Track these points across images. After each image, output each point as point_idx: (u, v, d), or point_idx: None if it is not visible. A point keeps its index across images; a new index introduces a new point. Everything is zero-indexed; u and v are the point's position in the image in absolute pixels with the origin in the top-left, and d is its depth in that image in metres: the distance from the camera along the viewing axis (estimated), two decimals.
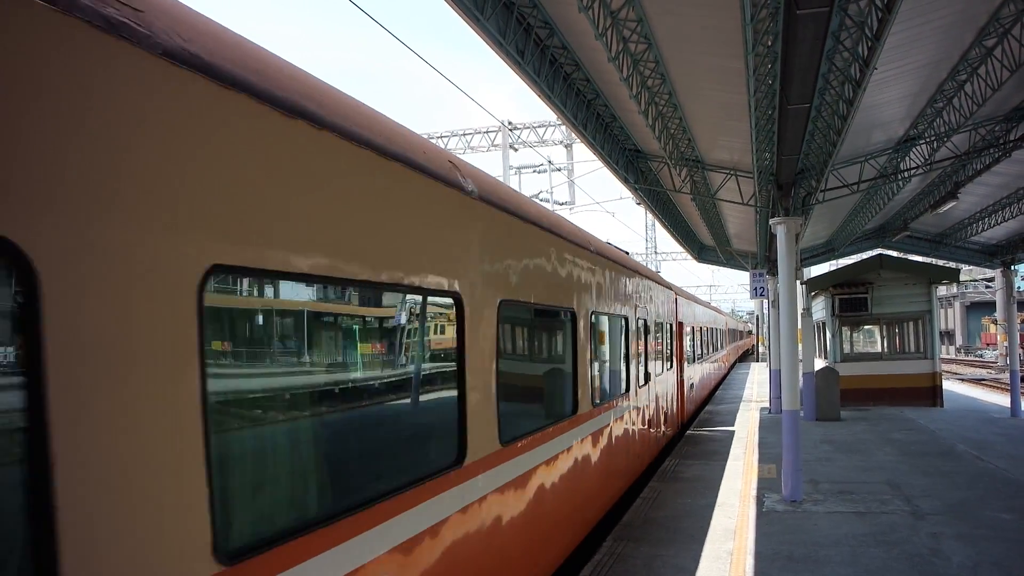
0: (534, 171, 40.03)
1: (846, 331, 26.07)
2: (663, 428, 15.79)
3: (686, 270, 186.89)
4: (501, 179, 32.50)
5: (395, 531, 4.27)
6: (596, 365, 9.71)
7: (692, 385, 22.50)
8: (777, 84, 9.70)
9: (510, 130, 34.82)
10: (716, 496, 12.07)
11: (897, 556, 8.74)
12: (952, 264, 29.78)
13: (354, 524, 3.86)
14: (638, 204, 25.73)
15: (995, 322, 61.07)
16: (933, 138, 16.19)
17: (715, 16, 10.40)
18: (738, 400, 28.87)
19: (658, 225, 31.34)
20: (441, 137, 35.58)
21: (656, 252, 64.79)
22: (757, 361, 65.15)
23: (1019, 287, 33.48)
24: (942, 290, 52.39)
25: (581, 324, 8.75)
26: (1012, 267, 26.42)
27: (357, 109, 4.25)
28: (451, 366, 5.31)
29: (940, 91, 14.19)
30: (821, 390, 21.32)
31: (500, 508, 5.99)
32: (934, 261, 29.92)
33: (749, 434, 18.98)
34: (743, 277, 78.11)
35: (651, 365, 14.18)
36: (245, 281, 3.41)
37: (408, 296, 4.76)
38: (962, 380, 39.95)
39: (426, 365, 5.18)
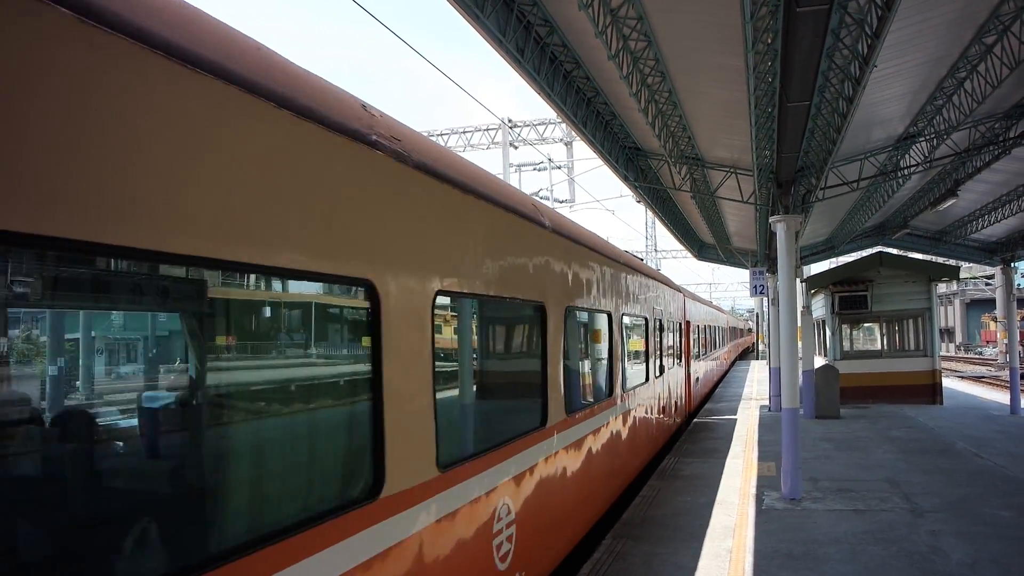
0: (534, 168, 40.06)
1: (846, 329, 26.08)
2: (674, 415, 17.82)
3: (686, 268, 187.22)
4: (501, 176, 32.51)
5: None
6: (626, 358, 11.93)
7: (697, 379, 24.35)
8: (777, 82, 9.70)
9: (510, 128, 34.81)
10: (715, 494, 12.08)
11: (896, 554, 8.75)
12: (952, 261, 29.78)
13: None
14: (638, 202, 25.78)
15: (995, 319, 61.02)
16: (933, 135, 16.19)
17: (715, 13, 10.40)
18: (738, 398, 28.87)
19: (658, 223, 31.37)
20: (441, 135, 35.58)
21: (656, 250, 64.80)
22: (757, 359, 65.18)
23: (1019, 284, 33.51)
24: (942, 287, 52.37)
25: (615, 325, 10.75)
26: (1012, 264, 26.45)
27: (497, 184, 6.49)
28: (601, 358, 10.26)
29: (940, 88, 14.18)
30: (821, 388, 21.33)
31: (575, 458, 8.45)
32: (934, 258, 29.96)
33: (748, 432, 18.99)
34: (743, 275, 78.09)
35: (665, 359, 16.06)
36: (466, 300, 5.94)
37: (520, 306, 6.87)
38: (962, 378, 39.99)
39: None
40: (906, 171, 17.87)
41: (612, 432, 10.47)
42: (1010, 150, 16.10)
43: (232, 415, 3.83)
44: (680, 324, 19.47)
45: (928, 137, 16.42)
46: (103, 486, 3.41)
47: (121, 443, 3.75)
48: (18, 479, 2.97)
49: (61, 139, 2.43)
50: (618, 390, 10.90)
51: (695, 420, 22.13)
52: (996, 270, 28.79)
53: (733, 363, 56.94)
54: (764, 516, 10.62)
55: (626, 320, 11.72)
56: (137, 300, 3.45)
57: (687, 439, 18.12)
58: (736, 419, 21.85)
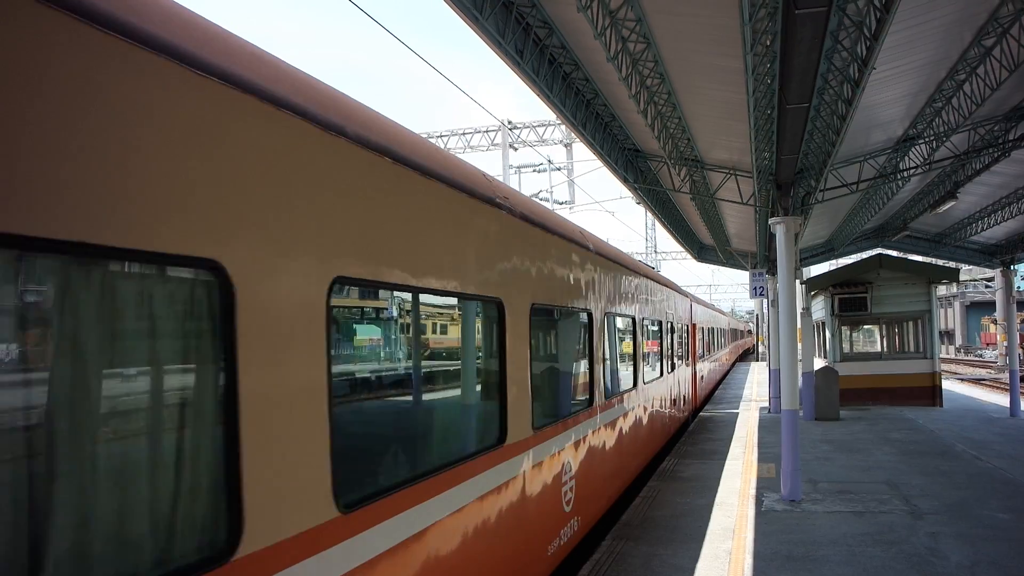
0: (534, 170, 40.04)
1: (845, 331, 26.09)
2: (683, 408, 19.93)
3: (686, 269, 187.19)
4: (500, 178, 32.50)
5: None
6: (646, 356, 13.91)
7: (702, 377, 26.53)
8: (776, 84, 9.71)
9: (510, 129, 34.83)
10: (715, 495, 12.08)
11: (895, 555, 8.75)
12: (952, 264, 29.78)
13: None
14: (638, 203, 25.81)
15: (995, 322, 61.09)
16: (932, 138, 16.20)
17: (714, 16, 10.40)
18: (738, 400, 28.88)
19: (658, 225, 31.38)
20: (441, 136, 35.58)
21: (656, 251, 64.79)
22: (757, 360, 65.15)
23: (1019, 287, 33.46)
24: (942, 290, 52.36)
25: (638, 328, 12.67)
26: (1012, 267, 26.43)
27: (559, 220, 8.16)
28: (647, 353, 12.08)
29: (939, 91, 14.19)
30: (820, 390, 21.33)
31: (611, 434, 10.45)
32: (934, 261, 29.93)
33: (748, 433, 18.99)
34: (743, 276, 78.15)
35: (675, 358, 18.37)
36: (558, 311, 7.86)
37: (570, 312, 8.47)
38: (961, 380, 39.98)
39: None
40: (905, 173, 17.87)
41: (635, 416, 12.50)
42: (1009, 152, 16.10)
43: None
44: (687, 327, 21.56)
45: (927, 139, 16.43)
46: None
47: None
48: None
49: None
50: (640, 383, 12.91)
51: (700, 414, 23.75)
52: (996, 272, 28.79)
53: (733, 364, 57.13)
54: (764, 518, 10.62)
55: (646, 323, 13.74)
56: None
57: (687, 440, 18.12)
58: (736, 421, 21.85)
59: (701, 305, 27.96)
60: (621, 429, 11.06)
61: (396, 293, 4.74)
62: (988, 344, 69.97)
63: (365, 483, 4.22)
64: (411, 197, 4.58)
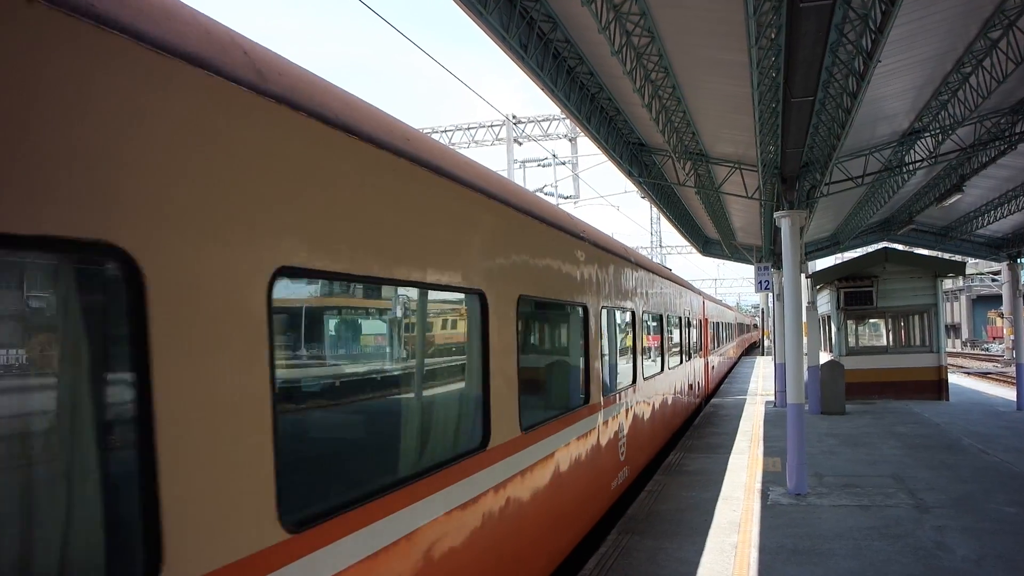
0: (538, 165, 40.02)
1: (851, 324, 26.03)
2: (696, 392, 22.52)
3: (691, 263, 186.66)
4: (505, 174, 32.49)
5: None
6: (669, 346, 16.57)
7: (713, 367, 29.45)
8: (781, 77, 9.69)
9: (514, 124, 34.80)
10: (720, 489, 12.08)
11: (901, 549, 8.75)
12: (958, 257, 29.69)
13: None
14: (642, 198, 25.77)
15: (1001, 315, 60.88)
16: (938, 131, 16.14)
17: (718, 9, 10.37)
18: (743, 394, 28.87)
19: (662, 219, 31.38)
20: (445, 132, 35.58)
21: (661, 246, 64.74)
22: (763, 355, 65.08)
23: None
24: (948, 283, 52.19)
25: (664, 322, 15.36)
26: (1018, 260, 26.33)
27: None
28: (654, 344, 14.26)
29: (945, 84, 14.13)
30: (826, 384, 21.31)
31: (649, 405, 13.32)
32: (940, 254, 29.85)
33: (754, 427, 18.98)
34: (748, 270, 78.14)
35: (691, 349, 21.19)
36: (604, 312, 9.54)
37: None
38: (968, 374, 39.88)
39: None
40: (911, 167, 17.81)
41: (663, 393, 15.32)
42: (1016, 145, 16.04)
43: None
44: (700, 321, 24.35)
45: (933, 132, 16.37)
46: None
47: None
48: None
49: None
50: (666, 367, 15.65)
51: (713, 399, 25.70)
52: (1002, 266, 28.65)
53: (739, 358, 57.29)
54: (769, 511, 10.62)
55: (671, 318, 16.90)
56: None
57: (692, 435, 18.12)
58: (741, 415, 21.85)
59: (711, 302, 30.79)
60: (654, 403, 14.02)
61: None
62: (995, 338, 69.75)
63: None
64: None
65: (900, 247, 29.54)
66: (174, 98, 2.73)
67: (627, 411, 11.36)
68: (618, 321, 11.15)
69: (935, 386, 24.08)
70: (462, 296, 5.49)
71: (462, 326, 5.68)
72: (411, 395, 5.16)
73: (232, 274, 2.95)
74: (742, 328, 65.21)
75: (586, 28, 11.72)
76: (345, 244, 3.75)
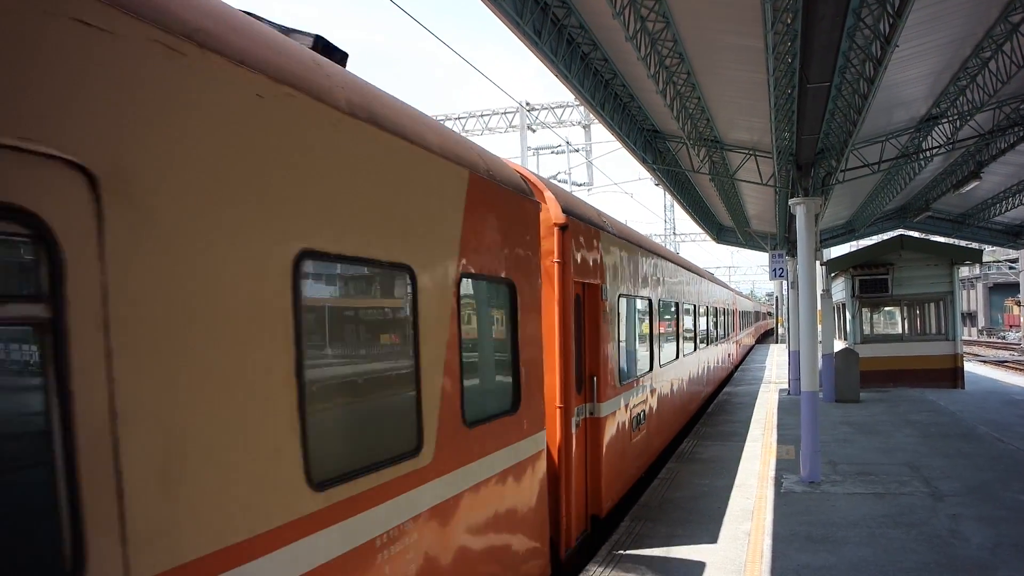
0: (552, 152, 39.92)
1: (866, 312, 25.89)
2: (732, 360, 32.61)
3: (705, 251, 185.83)
4: (519, 161, 32.45)
5: None
6: (716, 328, 24.70)
7: (740, 342, 40.03)
8: (797, 63, 9.60)
9: (528, 111, 34.70)
10: (734, 477, 12.07)
11: (916, 537, 8.72)
12: (974, 244, 29.45)
13: None
14: (656, 185, 25.70)
15: (1018, 303, 60.40)
16: (956, 117, 15.97)
17: None
18: (758, 381, 28.82)
19: (676, 206, 31.29)
20: (459, 119, 35.53)
21: (675, 233, 64.53)
22: (777, 342, 64.87)
23: None
24: (964, 271, 51.80)
25: (713, 311, 22.34)
26: None
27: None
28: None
29: (963, 69, 13.98)
30: (840, 371, 21.23)
31: (695, 365, 18.77)
32: (956, 242, 29.62)
33: (768, 415, 18.94)
34: (762, 258, 77.93)
35: (727, 329, 29.92)
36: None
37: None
38: (984, 362, 39.61)
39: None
40: (928, 153, 17.66)
41: (720, 351, 24.48)
42: None
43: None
44: (732, 310, 33.50)
45: (951, 118, 16.21)
46: None
47: None
48: None
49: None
50: (717, 339, 23.62)
51: (725, 389, 27.16)
52: (1020, 253, 28.49)
53: (753, 346, 57.76)
54: (783, 499, 10.61)
55: (719, 308, 25.43)
56: None
57: (706, 422, 18.12)
58: (755, 402, 21.81)
59: (738, 295, 42.58)
60: (708, 359, 19.76)
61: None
62: (1011, 326, 69.26)
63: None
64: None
65: (916, 234, 29.35)
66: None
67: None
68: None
69: (951, 374, 23.93)
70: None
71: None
72: None
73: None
74: (758, 315, 71.50)
75: (600, 13, 11.65)
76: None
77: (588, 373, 8.74)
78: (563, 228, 7.77)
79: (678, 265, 16.16)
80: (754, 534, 9.01)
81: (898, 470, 12.22)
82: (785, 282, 27.33)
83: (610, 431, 9.34)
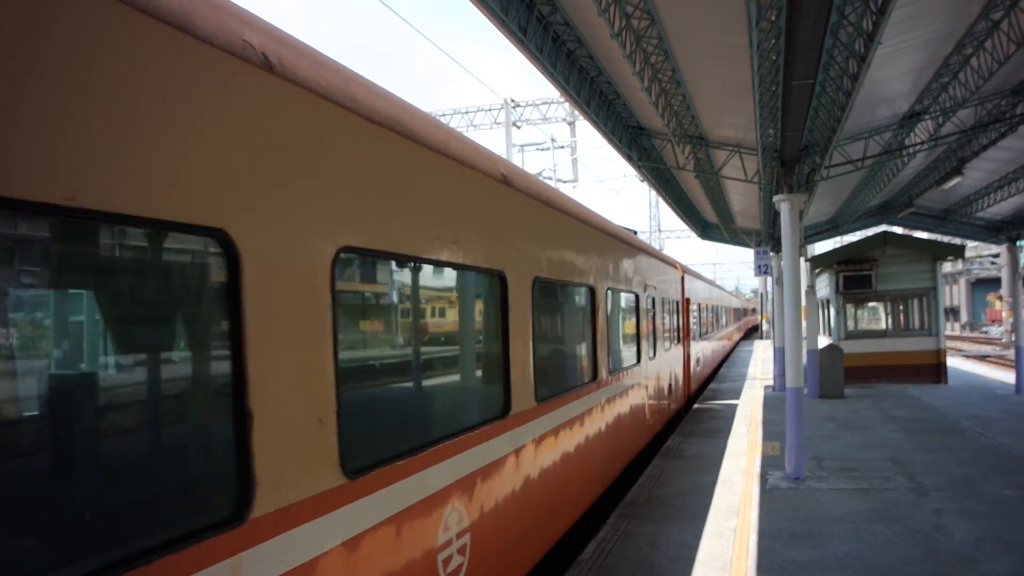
0: (537, 149, 39.91)
1: (850, 308, 26.05)
2: (733, 340, 50.60)
3: (689, 247, 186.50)
4: (505, 157, 32.42)
5: None
6: (725, 323, 41.42)
7: (738, 328, 58.05)
8: (781, 60, 9.62)
9: (513, 107, 34.66)
10: (719, 474, 12.11)
11: (900, 532, 8.77)
12: (957, 240, 29.64)
13: None
14: (641, 181, 25.77)
15: (1000, 298, 60.89)
16: (938, 113, 16.05)
17: None
18: (742, 378, 28.91)
19: (661, 203, 31.36)
20: (444, 115, 35.45)
21: (660, 230, 64.69)
22: (761, 339, 65.15)
23: None
24: (947, 266, 52.08)
25: (731, 313, 44.81)
26: (1017, 243, 26.30)
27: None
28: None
29: (946, 65, 14.05)
30: (825, 367, 21.33)
31: (714, 343, 31.00)
32: (939, 237, 29.80)
33: (752, 412, 19.01)
34: (747, 254, 78.45)
35: (728, 324, 44.97)
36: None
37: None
38: (967, 357, 39.92)
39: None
40: (911, 150, 17.75)
41: (716, 345, 30.67)
42: (1016, 127, 15.96)
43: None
44: (728, 308, 44.10)
45: (933, 115, 16.29)
46: None
47: None
48: None
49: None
50: (723, 328, 37.60)
51: (711, 384, 27.70)
52: (1002, 249, 28.61)
53: (738, 343, 58.32)
54: (768, 495, 10.65)
55: (727, 309, 43.27)
56: None
57: (691, 419, 18.16)
58: (740, 399, 21.89)
59: (733, 296, 56.87)
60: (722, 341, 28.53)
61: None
62: (993, 321, 69.84)
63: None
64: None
65: (899, 230, 29.52)
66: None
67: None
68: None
69: (934, 369, 24.10)
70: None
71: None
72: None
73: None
74: (746, 312, 79.69)
75: (586, 11, 11.64)
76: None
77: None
78: None
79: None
80: (740, 530, 9.03)
81: (882, 465, 12.29)
82: (770, 278, 27.43)
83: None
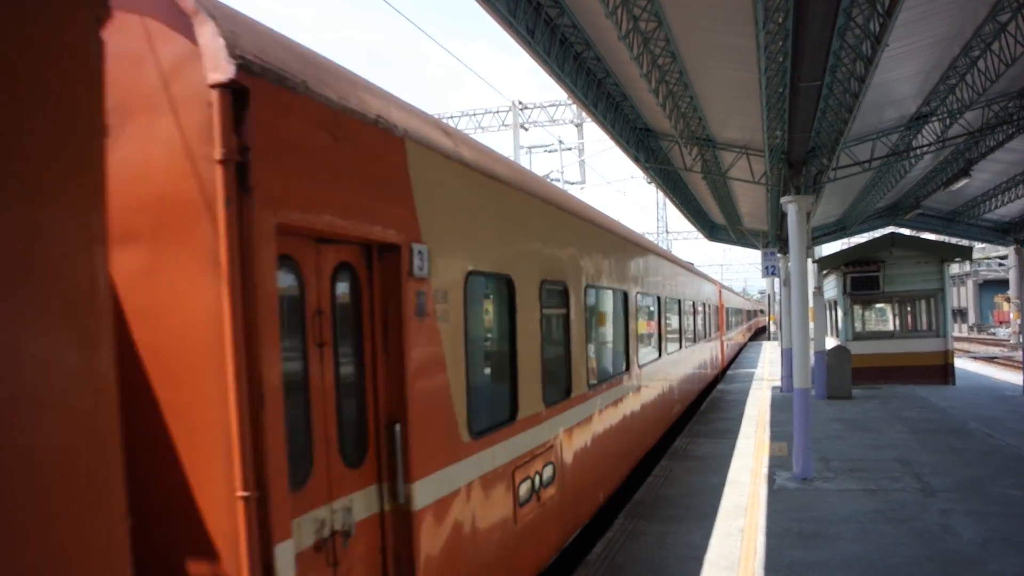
0: (545, 151, 39.94)
1: (858, 309, 26.01)
2: (746, 336, 60.44)
3: (697, 248, 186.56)
4: (512, 159, 32.46)
5: None
6: (740, 322, 52.46)
7: (748, 330, 64.43)
8: (788, 62, 9.66)
9: (521, 109, 34.71)
10: (727, 474, 12.14)
11: (907, 532, 8.80)
12: (965, 242, 29.58)
13: None
14: (649, 183, 25.79)
15: (1008, 300, 60.68)
16: (946, 115, 16.07)
17: None
18: (750, 379, 28.91)
19: (669, 204, 31.39)
20: (452, 118, 35.51)
21: (667, 231, 64.69)
22: (768, 340, 65.05)
23: None
24: (955, 268, 52.06)
25: (743, 313, 54.39)
26: None
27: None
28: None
29: (953, 67, 14.07)
30: (833, 368, 21.33)
31: (728, 341, 36.59)
32: (946, 239, 29.76)
33: (760, 412, 19.03)
34: (754, 256, 78.60)
35: (745, 322, 60.31)
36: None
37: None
38: (975, 358, 39.80)
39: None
40: (918, 151, 17.76)
41: (736, 336, 43.04)
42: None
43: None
44: (745, 311, 57.74)
45: (941, 117, 16.31)
46: None
47: None
48: None
49: None
50: (742, 326, 53.36)
51: (719, 385, 28.32)
52: (1010, 250, 28.64)
53: (746, 343, 59.37)
54: (775, 496, 10.68)
55: (744, 311, 56.10)
56: None
57: (699, 420, 18.18)
58: (747, 400, 21.90)
59: (745, 299, 67.95)
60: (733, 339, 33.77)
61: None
62: (1001, 322, 69.55)
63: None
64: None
65: (907, 232, 29.47)
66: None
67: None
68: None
69: (941, 371, 24.05)
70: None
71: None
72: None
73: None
74: (755, 313, 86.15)
75: (593, 13, 11.70)
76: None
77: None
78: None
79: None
80: (747, 531, 9.07)
81: (890, 466, 12.30)
82: (777, 280, 27.42)
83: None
